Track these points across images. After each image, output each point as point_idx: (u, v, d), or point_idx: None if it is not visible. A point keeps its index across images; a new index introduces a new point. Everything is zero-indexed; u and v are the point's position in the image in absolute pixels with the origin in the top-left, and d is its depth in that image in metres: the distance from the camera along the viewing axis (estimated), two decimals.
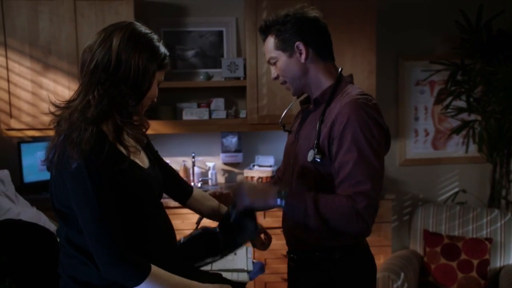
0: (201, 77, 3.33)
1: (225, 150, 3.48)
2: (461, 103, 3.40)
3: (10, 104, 3.07)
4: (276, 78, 1.56)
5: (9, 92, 3.06)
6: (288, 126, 1.77)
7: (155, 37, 1.30)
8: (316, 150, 1.45)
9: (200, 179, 3.38)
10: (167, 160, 3.40)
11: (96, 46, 1.22)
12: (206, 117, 3.29)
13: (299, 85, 1.54)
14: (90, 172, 1.14)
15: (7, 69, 3.04)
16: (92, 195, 1.14)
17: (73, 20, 3.05)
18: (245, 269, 1.83)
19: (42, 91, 3.08)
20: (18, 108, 3.09)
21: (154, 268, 1.20)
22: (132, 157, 1.27)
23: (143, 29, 1.28)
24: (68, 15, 3.04)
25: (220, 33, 3.42)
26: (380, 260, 3.03)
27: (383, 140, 1.41)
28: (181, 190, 1.60)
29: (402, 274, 2.68)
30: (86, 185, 1.14)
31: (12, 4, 3.03)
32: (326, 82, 1.52)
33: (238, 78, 3.26)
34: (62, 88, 3.08)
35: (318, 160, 1.44)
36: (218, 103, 3.36)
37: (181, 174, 3.43)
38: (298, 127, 1.63)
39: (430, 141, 3.65)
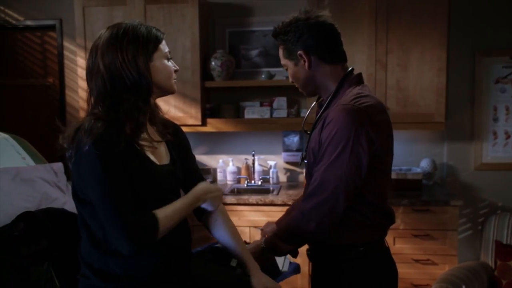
0: (263, 76, 3.36)
1: (286, 149, 3.48)
2: None
3: (88, 102, 3.34)
4: (292, 82, 1.60)
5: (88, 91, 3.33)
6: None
7: (132, 25, 1.35)
8: (304, 154, 1.58)
9: (260, 177, 3.42)
10: (230, 157, 3.52)
11: (88, 61, 1.34)
12: (267, 115, 3.32)
13: (309, 89, 1.58)
14: (98, 152, 1.22)
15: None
16: (101, 173, 1.22)
17: None
18: (281, 269, 1.83)
19: None
20: None
21: (157, 213, 1.28)
22: (147, 153, 1.34)
23: (120, 28, 1.34)
24: (139, 19, 3.23)
25: None
26: (445, 270, 2.85)
27: (362, 145, 1.38)
28: None
29: (463, 287, 2.49)
30: (96, 164, 1.22)
31: (92, 11, 3.30)
32: (332, 86, 1.53)
33: None
34: None
35: (305, 162, 1.56)
36: (280, 102, 3.36)
37: (243, 172, 3.50)
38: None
39: (511, 144, 3.34)
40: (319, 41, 1.50)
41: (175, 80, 1.45)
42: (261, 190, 3.31)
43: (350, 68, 1.57)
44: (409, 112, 3.08)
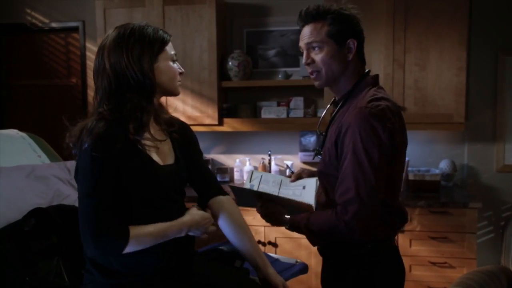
0: (280, 76, 3.37)
1: (303, 149, 3.48)
2: None
3: None
4: (308, 64, 1.51)
5: None
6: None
7: (139, 26, 1.38)
8: (319, 151, 1.58)
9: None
10: (247, 157, 3.54)
11: (95, 61, 1.38)
12: (284, 115, 3.32)
13: (330, 79, 1.50)
14: (93, 151, 1.27)
15: None
16: (90, 173, 1.27)
17: (162, 24, 3.29)
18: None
19: None
20: None
21: (132, 229, 1.29)
22: (150, 152, 1.36)
23: (127, 28, 1.37)
24: (158, 20, 3.29)
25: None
26: (463, 274, 2.78)
27: (386, 148, 1.37)
28: (202, 191, 1.63)
29: None
30: (88, 163, 1.28)
31: (112, 12, 3.38)
32: (349, 84, 1.51)
33: None
34: None
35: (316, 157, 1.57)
36: (297, 101, 3.36)
37: (260, 171, 3.51)
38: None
39: None
40: (362, 38, 1.52)
41: (179, 82, 1.48)
42: None
43: (367, 70, 1.55)
44: (428, 112, 3.03)
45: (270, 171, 3.45)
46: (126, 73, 1.32)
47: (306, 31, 1.50)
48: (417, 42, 3.01)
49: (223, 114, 3.38)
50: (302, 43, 1.52)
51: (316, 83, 1.55)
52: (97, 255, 1.30)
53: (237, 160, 3.57)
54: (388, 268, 1.53)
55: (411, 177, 3.08)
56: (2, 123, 3.93)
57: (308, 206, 1.53)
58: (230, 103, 3.52)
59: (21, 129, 1.99)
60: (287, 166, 1.76)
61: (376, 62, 3.05)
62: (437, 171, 3.15)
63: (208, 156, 3.69)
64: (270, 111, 3.35)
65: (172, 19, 3.29)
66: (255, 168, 3.56)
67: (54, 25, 3.81)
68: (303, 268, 1.89)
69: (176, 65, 1.45)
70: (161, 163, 1.42)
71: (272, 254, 2.04)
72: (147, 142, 1.37)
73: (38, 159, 1.87)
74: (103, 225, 1.26)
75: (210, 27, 3.24)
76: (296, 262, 1.95)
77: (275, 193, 1.63)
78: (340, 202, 1.38)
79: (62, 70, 3.89)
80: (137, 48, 1.35)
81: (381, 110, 1.38)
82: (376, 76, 1.55)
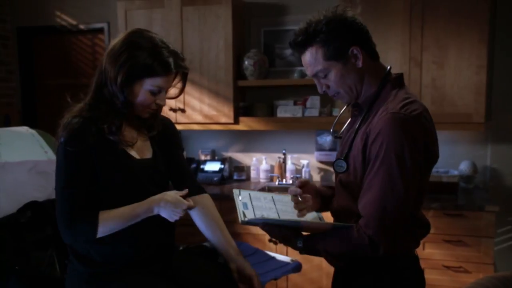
0: (295, 75, 3.36)
1: (319, 148, 3.46)
2: None
3: None
4: (325, 91, 1.43)
5: None
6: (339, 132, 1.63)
7: (147, 44, 1.38)
8: (343, 160, 1.38)
9: (292, 176, 3.42)
10: (263, 156, 3.55)
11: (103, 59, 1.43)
12: (299, 114, 3.31)
13: (355, 93, 1.39)
14: (66, 146, 1.35)
15: None
16: (63, 166, 1.35)
17: (180, 25, 3.36)
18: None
19: None
20: None
21: (101, 213, 1.35)
22: (125, 147, 1.42)
23: (134, 38, 1.40)
24: (176, 20, 3.36)
25: None
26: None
27: (420, 158, 1.27)
28: (180, 186, 1.62)
29: None
30: (61, 157, 1.36)
31: (133, 14, 3.48)
32: (372, 86, 1.39)
33: None
34: None
35: (343, 171, 1.38)
36: (313, 100, 3.34)
37: (276, 170, 3.52)
38: (345, 132, 1.53)
39: None
40: (364, 34, 1.38)
41: (151, 112, 1.47)
42: None
43: (388, 67, 1.43)
44: (446, 112, 2.94)
45: (285, 170, 3.46)
46: (107, 81, 1.38)
47: (305, 61, 1.41)
48: (435, 39, 2.92)
49: (240, 112, 3.41)
50: (308, 74, 1.44)
51: (344, 102, 1.45)
52: (72, 242, 1.38)
53: (254, 159, 3.60)
54: (407, 278, 1.42)
55: None
56: (34, 120, 4.13)
57: (326, 225, 1.40)
58: (247, 102, 3.54)
59: (50, 127, 2.10)
60: (295, 178, 1.63)
61: (392, 60, 2.99)
62: (455, 173, 3.05)
63: (225, 154, 3.74)
64: (286, 110, 3.35)
65: (189, 19, 3.34)
66: (272, 167, 3.58)
67: (81, 26, 3.97)
68: (296, 267, 1.89)
69: (154, 96, 1.42)
70: (137, 157, 1.47)
71: (269, 252, 2.05)
72: (124, 138, 1.43)
73: (45, 154, 1.96)
74: (75, 213, 1.34)
75: (226, 27, 3.28)
76: (291, 260, 1.96)
77: (273, 209, 1.55)
78: (363, 214, 1.28)
79: (88, 70, 4.04)
80: (127, 66, 1.37)
81: (416, 116, 1.27)
82: (401, 75, 1.44)
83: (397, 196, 1.24)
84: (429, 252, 2.79)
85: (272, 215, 1.48)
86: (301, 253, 1.42)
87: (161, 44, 1.41)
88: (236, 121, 3.37)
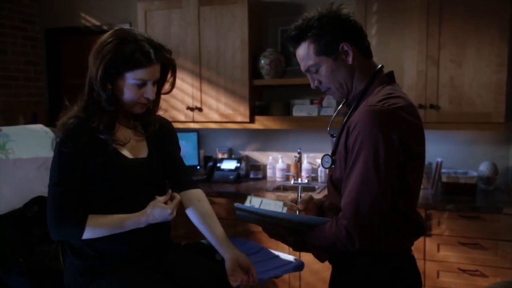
0: None
1: None
2: None
3: None
4: (317, 86, 1.46)
5: None
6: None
7: (123, 38, 1.41)
8: (330, 156, 1.41)
9: (307, 176, 3.41)
10: (279, 154, 3.56)
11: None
12: (315, 114, 3.30)
13: (345, 89, 1.42)
14: (61, 146, 1.40)
15: None
16: (57, 164, 1.40)
17: (197, 25, 3.41)
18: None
19: None
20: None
21: (90, 217, 1.39)
22: (118, 147, 1.46)
23: (114, 36, 1.43)
24: (193, 20, 3.41)
25: None
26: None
27: (395, 152, 1.26)
28: (174, 184, 1.67)
29: None
30: (56, 156, 1.41)
31: (153, 14, 3.55)
32: (361, 83, 1.41)
33: None
34: (187, 86, 3.48)
35: (331, 167, 1.41)
36: (330, 99, 3.32)
37: (292, 169, 3.52)
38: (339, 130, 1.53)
39: None
40: (357, 31, 1.40)
41: (141, 106, 1.49)
42: (306, 188, 3.31)
43: (380, 65, 1.44)
44: (463, 111, 2.87)
45: (301, 169, 3.45)
46: (92, 81, 1.43)
47: (298, 56, 1.45)
48: (453, 37, 2.86)
49: (256, 111, 3.42)
50: (301, 69, 1.47)
51: (335, 98, 1.48)
52: (58, 239, 1.43)
53: (270, 158, 3.61)
54: (404, 279, 1.40)
55: (444, 179, 2.94)
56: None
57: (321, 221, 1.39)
58: (264, 101, 3.55)
59: None
60: (299, 188, 1.60)
61: (409, 59, 2.94)
62: (474, 174, 2.97)
63: (242, 153, 3.76)
64: (302, 109, 3.34)
65: (206, 19, 3.38)
66: (288, 166, 3.58)
67: (104, 27, 4.07)
68: (298, 266, 1.90)
69: (141, 90, 1.44)
70: (130, 156, 1.50)
71: (273, 251, 2.06)
72: (118, 138, 1.46)
73: None
74: (64, 212, 1.38)
75: (243, 26, 3.30)
76: (295, 259, 1.96)
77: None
78: (341, 205, 1.30)
79: None
80: (105, 61, 1.40)
81: (394, 109, 1.26)
82: (391, 73, 1.44)
83: (373, 190, 1.25)
84: (444, 255, 2.73)
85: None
86: (294, 249, 1.45)
87: (141, 37, 1.43)
88: (252, 120, 3.39)
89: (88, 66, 1.47)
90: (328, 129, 1.62)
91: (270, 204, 1.64)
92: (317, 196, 1.75)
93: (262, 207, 1.62)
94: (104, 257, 1.43)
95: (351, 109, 1.40)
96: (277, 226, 1.44)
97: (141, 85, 1.44)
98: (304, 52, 1.41)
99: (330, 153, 1.43)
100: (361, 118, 1.27)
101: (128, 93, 1.45)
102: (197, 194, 1.66)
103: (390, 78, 1.42)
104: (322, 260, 1.47)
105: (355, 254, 1.37)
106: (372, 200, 1.25)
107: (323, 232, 1.33)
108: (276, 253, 2.04)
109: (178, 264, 1.54)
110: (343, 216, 1.29)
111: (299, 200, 1.55)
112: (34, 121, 4.15)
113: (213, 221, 1.60)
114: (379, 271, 1.37)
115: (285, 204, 1.53)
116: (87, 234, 1.39)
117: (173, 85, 1.58)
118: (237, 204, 1.42)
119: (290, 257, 1.98)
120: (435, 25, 2.87)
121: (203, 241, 1.74)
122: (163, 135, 1.64)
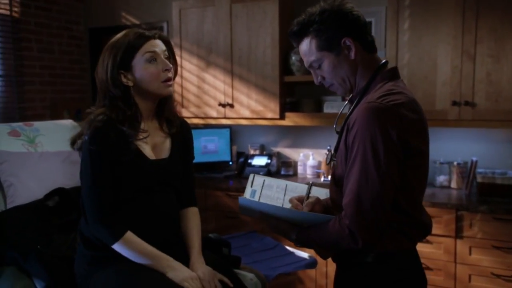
0: None
1: None
2: None
3: (182, 96, 3.68)
4: (320, 82, 1.44)
5: (181, 86, 3.67)
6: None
7: (122, 35, 1.47)
8: (332, 153, 1.42)
9: None
10: (310, 151, 3.53)
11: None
12: (346, 110, 3.24)
13: (348, 85, 1.40)
14: (90, 145, 1.42)
15: (181, 66, 3.64)
16: (89, 164, 1.43)
17: (229, 22, 3.44)
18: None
19: (204, 85, 3.59)
20: (187, 99, 3.68)
21: (128, 234, 1.42)
22: (141, 147, 1.50)
23: (115, 38, 1.49)
24: (225, 17, 3.44)
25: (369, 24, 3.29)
26: None
27: (394, 148, 1.23)
28: (179, 196, 1.69)
29: None
30: (86, 155, 1.44)
31: (187, 12, 3.62)
32: (365, 79, 1.38)
33: None
34: (219, 82, 3.53)
35: (332, 163, 1.41)
36: None
37: (323, 166, 3.48)
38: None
39: None
40: (361, 28, 1.38)
41: (166, 82, 1.51)
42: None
43: (384, 60, 1.42)
44: (501, 108, 2.73)
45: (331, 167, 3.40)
46: (103, 82, 1.49)
47: (300, 51, 1.44)
48: (491, 31, 2.72)
49: (287, 108, 3.42)
50: (305, 64, 1.46)
51: (339, 93, 1.47)
52: (97, 236, 1.48)
53: (301, 154, 3.59)
54: (406, 278, 1.37)
55: (479, 179, 2.81)
56: None
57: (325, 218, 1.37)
58: (295, 97, 3.54)
59: None
60: (309, 185, 1.57)
61: (443, 54, 2.83)
62: None
63: (274, 149, 3.77)
64: (333, 105, 3.30)
65: (238, 16, 3.41)
66: (319, 163, 3.55)
67: (144, 26, 4.19)
68: (311, 263, 1.89)
69: (156, 65, 1.48)
70: (152, 157, 1.54)
71: (289, 248, 2.06)
72: (141, 137, 1.50)
73: None
74: (102, 215, 1.43)
75: (273, 23, 3.30)
76: (309, 256, 1.95)
77: (280, 200, 1.55)
78: (343, 204, 1.28)
79: None
80: (108, 57, 1.47)
81: (393, 106, 1.24)
82: (394, 68, 1.42)
83: (373, 188, 1.23)
84: (476, 258, 2.62)
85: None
86: (296, 245, 1.45)
87: (137, 28, 1.51)
88: (282, 117, 3.38)
89: (96, 73, 1.52)
90: (335, 126, 1.59)
91: (273, 186, 1.61)
92: None
93: (264, 187, 1.60)
94: (111, 249, 1.48)
95: (353, 106, 1.38)
96: (279, 221, 1.44)
97: (153, 59, 1.47)
98: (306, 47, 1.40)
99: (332, 151, 1.42)
100: (360, 115, 1.25)
101: (146, 73, 1.48)
102: (190, 213, 1.70)
103: (393, 74, 1.39)
104: (324, 258, 1.46)
105: (359, 252, 1.34)
106: (373, 197, 1.23)
107: (326, 230, 1.32)
108: (292, 249, 2.03)
109: (185, 257, 1.57)
110: (345, 215, 1.27)
111: (306, 199, 1.53)
112: (78, 116, 4.35)
113: (196, 227, 1.65)
114: (382, 270, 1.34)
115: (290, 201, 1.52)
116: (117, 247, 1.44)
117: (176, 65, 1.60)
118: (241, 199, 1.43)
119: (304, 254, 1.98)
120: (471, 19, 2.74)
121: (211, 235, 1.77)
122: (185, 139, 1.68)
